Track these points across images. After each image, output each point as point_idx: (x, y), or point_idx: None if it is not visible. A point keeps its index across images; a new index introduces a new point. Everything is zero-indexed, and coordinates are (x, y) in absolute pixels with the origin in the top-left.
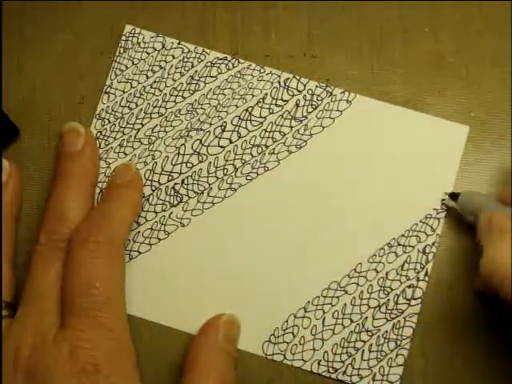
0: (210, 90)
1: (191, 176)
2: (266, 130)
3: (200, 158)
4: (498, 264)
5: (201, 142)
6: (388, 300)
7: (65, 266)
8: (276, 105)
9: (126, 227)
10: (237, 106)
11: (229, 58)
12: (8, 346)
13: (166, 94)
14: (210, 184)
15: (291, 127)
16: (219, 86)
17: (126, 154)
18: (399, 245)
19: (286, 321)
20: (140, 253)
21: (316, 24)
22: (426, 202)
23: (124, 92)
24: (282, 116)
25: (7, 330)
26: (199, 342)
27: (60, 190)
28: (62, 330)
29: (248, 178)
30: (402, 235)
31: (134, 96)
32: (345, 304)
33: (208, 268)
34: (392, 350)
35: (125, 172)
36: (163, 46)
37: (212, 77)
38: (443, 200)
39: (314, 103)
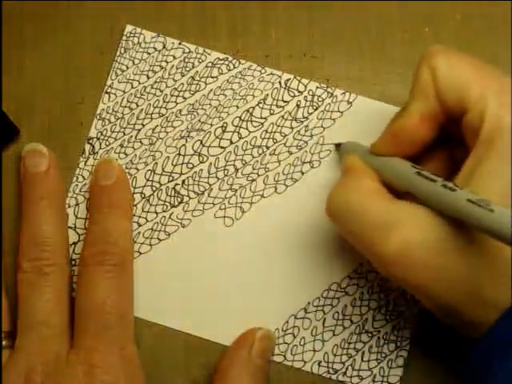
0: (211, 90)
1: (192, 177)
2: (266, 131)
3: (201, 158)
4: (331, 199)
5: (201, 142)
6: (388, 301)
7: (77, 288)
8: (277, 106)
9: (130, 238)
10: (237, 107)
11: (230, 58)
12: (15, 375)
13: (166, 94)
14: (210, 185)
15: (292, 128)
16: (220, 87)
17: (126, 155)
18: None
19: (287, 322)
20: (140, 253)
21: (316, 24)
22: None
23: (125, 92)
24: (282, 117)
25: (10, 361)
26: (232, 354)
27: (33, 215)
28: (75, 351)
29: (249, 178)
30: None
31: (135, 96)
32: (345, 305)
33: (208, 268)
34: (392, 352)
35: (108, 171)
36: (164, 47)
37: (213, 77)
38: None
39: (314, 104)
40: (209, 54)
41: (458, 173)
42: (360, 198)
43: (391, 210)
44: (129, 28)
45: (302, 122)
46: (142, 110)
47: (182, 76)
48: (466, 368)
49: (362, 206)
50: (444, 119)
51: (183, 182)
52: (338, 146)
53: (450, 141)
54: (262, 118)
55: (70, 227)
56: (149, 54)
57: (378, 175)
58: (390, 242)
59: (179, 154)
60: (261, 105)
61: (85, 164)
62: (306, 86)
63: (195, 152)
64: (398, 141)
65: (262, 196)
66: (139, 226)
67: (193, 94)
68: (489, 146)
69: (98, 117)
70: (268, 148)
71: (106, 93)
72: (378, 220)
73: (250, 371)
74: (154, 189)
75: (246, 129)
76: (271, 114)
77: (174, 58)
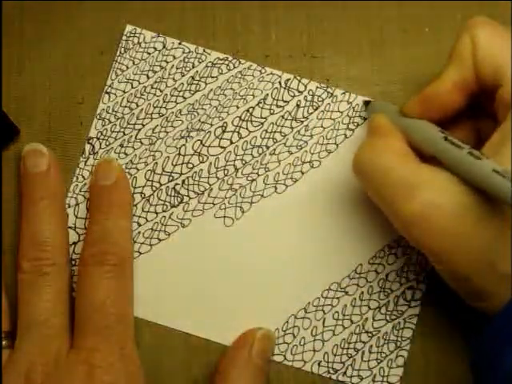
0: (211, 90)
1: (192, 176)
2: (266, 131)
3: (201, 158)
4: (358, 156)
5: (201, 142)
6: (388, 301)
7: (77, 288)
8: (277, 105)
9: (130, 238)
10: (237, 107)
11: (230, 58)
12: (15, 375)
13: (166, 94)
14: (210, 184)
15: (292, 128)
16: (220, 87)
17: (126, 155)
18: (399, 246)
19: (287, 322)
20: (140, 253)
21: (316, 24)
22: None
23: (125, 92)
24: (282, 117)
25: (10, 361)
26: (232, 354)
27: (33, 215)
28: (75, 351)
29: (249, 178)
30: (403, 237)
31: (135, 96)
32: (345, 305)
33: (208, 268)
34: (392, 351)
35: (108, 171)
36: (164, 46)
37: (213, 77)
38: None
39: (314, 104)
40: (209, 54)
41: (483, 144)
42: (386, 159)
43: (416, 171)
44: (129, 28)
45: (302, 121)
46: (142, 109)
47: (182, 76)
48: (476, 346)
49: (388, 166)
50: (477, 89)
51: (183, 181)
52: (367, 103)
53: (478, 112)
54: (261, 117)
55: (70, 227)
56: (149, 53)
57: (406, 137)
58: (411, 202)
59: (179, 154)
60: (261, 105)
61: (85, 164)
62: (306, 86)
63: (195, 152)
64: (428, 105)
65: (262, 196)
66: (139, 225)
67: (193, 94)
68: None
69: (98, 117)
70: (268, 148)
71: (106, 93)
72: (403, 180)
73: (250, 371)
74: (154, 189)
75: (246, 129)
76: (271, 114)
77: (174, 57)
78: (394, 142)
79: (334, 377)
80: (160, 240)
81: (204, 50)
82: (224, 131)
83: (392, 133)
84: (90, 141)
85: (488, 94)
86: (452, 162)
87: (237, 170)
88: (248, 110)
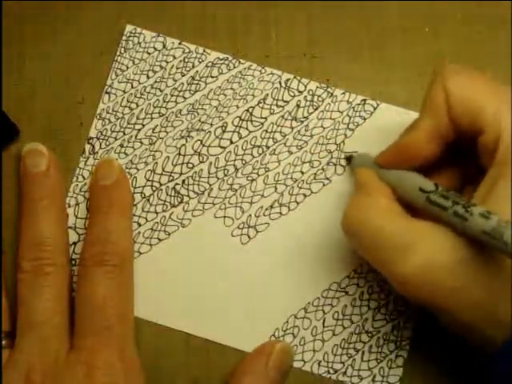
0: (211, 90)
1: (192, 176)
2: (266, 131)
3: (201, 158)
4: (346, 217)
5: (201, 142)
6: (388, 301)
7: (78, 288)
8: (277, 105)
9: (130, 238)
10: (237, 107)
11: (230, 58)
12: (15, 375)
13: (166, 94)
14: (210, 184)
15: (292, 128)
16: (220, 87)
17: (126, 154)
18: None
19: (287, 321)
20: (140, 253)
21: (316, 24)
22: None
23: (125, 92)
24: (282, 117)
25: (10, 361)
26: (249, 362)
27: (32, 215)
28: (75, 351)
29: (249, 178)
30: None
31: (135, 96)
32: (345, 305)
33: (208, 268)
34: (392, 352)
35: (108, 170)
36: (164, 46)
37: (213, 77)
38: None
39: (314, 104)
40: (209, 54)
41: (471, 187)
42: (375, 218)
43: (407, 229)
44: (129, 28)
45: (302, 121)
46: (142, 109)
47: (182, 76)
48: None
49: (378, 226)
50: (454, 137)
51: (183, 181)
52: (349, 159)
53: (458, 156)
54: (262, 117)
55: (70, 227)
56: (149, 53)
57: (392, 190)
58: (407, 262)
59: (179, 154)
60: (261, 104)
61: (85, 164)
62: (306, 86)
63: (195, 152)
64: (403, 155)
65: (262, 196)
66: (139, 225)
67: (193, 94)
68: (504, 167)
69: (98, 117)
70: (268, 148)
71: (106, 93)
72: (395, 240)
73: (263, 382)
74: (154, 189)
75: (246, 128)
76: (271, 114)
77: (174, 57)
78: (381, 200)
79: (333, 377)
80: (160, 240)
81: (204, 50)
82: (224, 131)
83: (378, 190)
84: (90, 141)
85: (466, 140)
86: (440, 220)
87: (237, 169)
88: (248, 110)
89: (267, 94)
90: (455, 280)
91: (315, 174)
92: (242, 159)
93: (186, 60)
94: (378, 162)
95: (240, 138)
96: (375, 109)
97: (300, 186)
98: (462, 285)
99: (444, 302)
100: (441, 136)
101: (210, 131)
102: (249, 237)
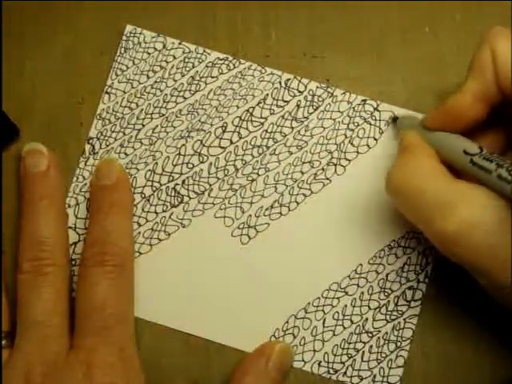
0: (211, 90)
1: (192, 177)
2: (266, 131)
3: (201, 158)
4: (390, 177)
5: (201, 142)
6: (388, 301)
7: (78, 288)
8: (277, 105)
9: (130, 238)
10: (238, 107)
11: (230, 58)
12: (14, 375)
13: (166, 94)
14: (210, 185)
15: (292, 128)
16: (220, 87)
17: (126, 155)
18: (399, 246)
19: (287, 322)
20: (140, 253)
21: (316, 24)
22: None
23: (125, 92)
24: (282, 117)
25: (10, 361)
26: (249, 363)
27: (32, 216)
28: (75, 351)
29: (249, 178)
30: (403, 237)
31: (135, 96)
32: (345, 305)
33: (208, 268)
34: (392, 352)
35: (108, 171)
36: (164, 46)
37: (213, 77)
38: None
39: (314, 104)
40: (209, 54)
41: None
42: (420, 178)
43: (450, 190)
44: (129, 28)
45: (302, 121)
46: (142, 110)
47: (182, 76)
48: None
49: (422, 185)
50: (499, 100)
51: (183, 181)
52: (394, 119)
53: (505, 117)
54: (262, 117)
55: (70, 227)
56: (149, 54)
57: (436, 152)
58: (449, 222)
59: (179, 154)
60: (261, 105)
61: (85, 164)
62: (306, 86)
63: (195, 152)
64: (449, 118)
65: (262, 196)
66: (139, 226)
67: (193, 94)
68: None
69: (98, 117)
70: (268, 148)
71: (106, 93)
72: (438, 200)
73: (264, 383)
74: (154, 189)
75: (246, 129)
76: (271, 114)
77: (174, 57)
78: (425, 161)
79: (334, 377)
80: (160, 240)
81: (204, 50)
82: (224, 131)
83: (423, 151)
84: (90, 141)
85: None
86: (484, 183)
87: (237, 170)
88: (248, 110)
89: (267, 94)
90: (494, 238)
91: (315, 174)
92: (242, 159)
93: (186, 60)
94: (424, 124)
95: (240, 138)
96: (375, 109)
97: (300, 186)
98: (500, 243)
99: (483, 261)
100: (487, 98)
101: (210, 131)
102: (249, 237)
